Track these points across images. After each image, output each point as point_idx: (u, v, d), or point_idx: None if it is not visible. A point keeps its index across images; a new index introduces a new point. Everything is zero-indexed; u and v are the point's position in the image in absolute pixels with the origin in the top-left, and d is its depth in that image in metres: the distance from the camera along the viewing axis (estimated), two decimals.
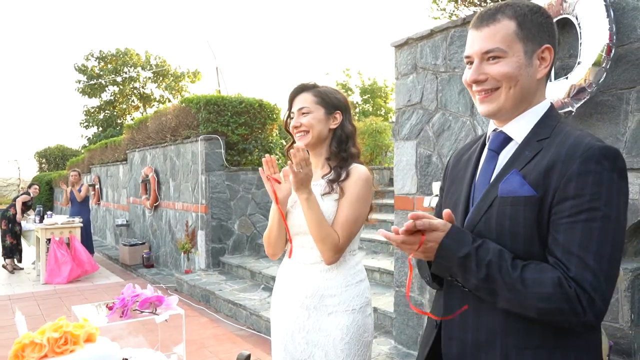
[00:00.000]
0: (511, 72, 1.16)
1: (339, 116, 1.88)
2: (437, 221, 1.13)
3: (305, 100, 1.86)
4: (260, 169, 1.83)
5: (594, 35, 2.55)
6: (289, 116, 1.93)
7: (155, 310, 1.70)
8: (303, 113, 1.84)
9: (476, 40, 1.20)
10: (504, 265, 1.07)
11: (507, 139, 1.23)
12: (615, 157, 1.07)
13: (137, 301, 1.65)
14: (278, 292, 1.95)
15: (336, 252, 1.74)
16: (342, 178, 1.80)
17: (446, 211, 1.17)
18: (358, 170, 1.82)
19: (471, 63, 1.22)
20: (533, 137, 1.18)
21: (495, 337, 1.14)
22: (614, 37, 2.53)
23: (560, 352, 1.10)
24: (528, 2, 1.23)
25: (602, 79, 2.57)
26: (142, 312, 1.67)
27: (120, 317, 1.65)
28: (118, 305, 1.65)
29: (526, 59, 1.17)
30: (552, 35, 1.20)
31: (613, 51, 2.53)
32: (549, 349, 1.10)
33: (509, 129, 1.22)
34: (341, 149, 1.87)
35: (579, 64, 2.62)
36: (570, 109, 2.66)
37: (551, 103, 1.24)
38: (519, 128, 1.20)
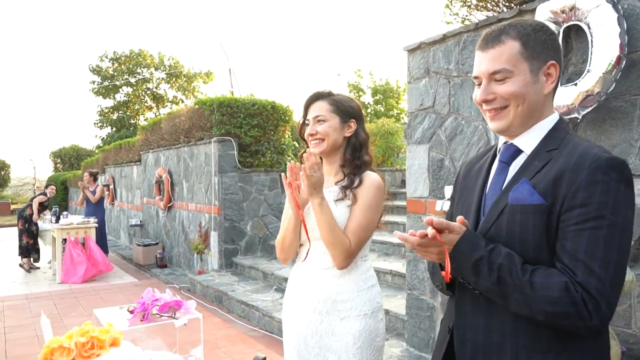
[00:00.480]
0: (518, 91, 1.20)
1: (353, 124, 1.92)
2: (453, 223, 1.17)
3: (321, 108, 1.89)
4: (282, 174, 1.84)
5: (605, 45, 2.57)
6: (304, 123, 1.97)
7: (175, 314, 1.75)
8: (319, 121, 1.88)
9: (483, 62, 1.24)
10: (514, 268, 1.12)
11: (518, 151, 1.27)
12: (621, 167, 1.11)
13: (157, 305, 1.70)
14: (290, 296, 1.97)
15: (347, 257, 1.77)
16: (355, 185, 1.84)
17: (460, 217, 1.21)
18: (371, 178, 1.85)
19: (480, 83, 1.26)
20: (542, 148, 1.22)
21: (506, 339, 1.18)
22: (625, 48, 2.55)
23: (568, 355, 1.14)
24: (531, 20, 1.27)
25: (610, 89, 2.59)
26: (161, 316, 1.72)
27: (141, 320, 1.70)
28: (139, 309, 1.70)
29: (532, 77, 1.21)
30: (556, 51, 1.24)
31: (623, 62, 2.55)
32: (558, 352, 1.14)
33: (519, 141, 1.27)
34: (355, 157, 1.90)
35: (588, 72, 2.64)
36: (576, 115, 2.68)
37: (560, 116, 1.28)
38: (529, 140, 1.25)
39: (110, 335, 1.22)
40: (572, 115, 2.69)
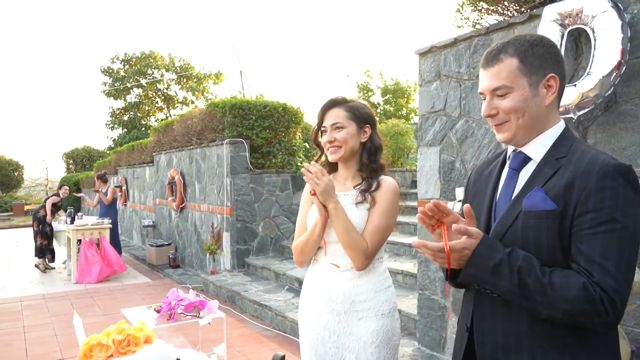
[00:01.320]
0: (517, 106, 1.28)
1: (368, 130, 1.98)
2: (471, 228, 1.24)
3: (338, 115, 1.95)
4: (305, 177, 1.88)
5: (608, 50, 2.62)
6: (319, 129, 2.03)
7: (199, 313, 1.82)
8: (337, 128, 1.94)
9: (485, 79, 1.33)
10: (533, 270, 1.19)
11: (527, 159, 1.35)
12: (628, 173, 1.19)
13: (182, 305, 1.78)
14: (307, 297, 2.02)
15: (366, 258, 1.84)
16: (372, 188, 1.91)
17: (466, 205, 1.29)
18: (388, 182, 1.93)
19: (485, 98, 1.34)
20: (551, 156, 1.30)
21: (523, 340, 1.26)
22: (627, 55, 2.60)
23: (582, 351, 1.22)
24: (529, 35, 1.34)
25: (608, 93, 2.65)
26: (186, 315, 1.80)
27: (167, 320, 1.78)
28: (165, 309, 1.77)
29: (531, 91, 1.29)
30: (556, 63, 1.31)
31: (623, 68, 2.60)
32: (573, 350, 1.22)
33: (528, 150, 1.34)
34: (371, 161, 1.97)
35: (588, 74, 2.69)
36: (571, 115, 2.72)
37: (566, 125, 1.35)
38: (537, 149, 1.33)
39: (144, 333, 1.30)
40: (568, 115, 2.73)
